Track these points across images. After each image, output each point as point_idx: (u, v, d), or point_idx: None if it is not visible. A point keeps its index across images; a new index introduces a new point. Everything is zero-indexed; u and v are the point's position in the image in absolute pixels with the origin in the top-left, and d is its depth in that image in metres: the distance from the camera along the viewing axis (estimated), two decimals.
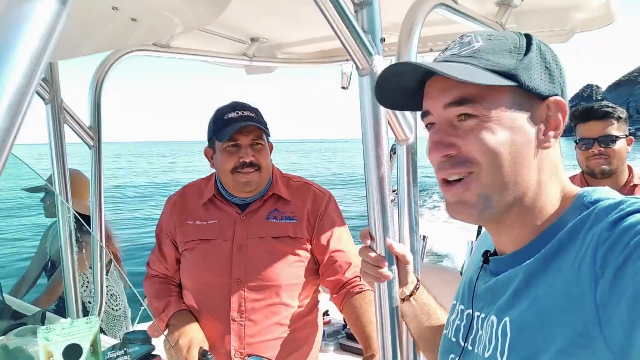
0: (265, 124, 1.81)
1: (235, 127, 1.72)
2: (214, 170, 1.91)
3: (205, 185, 1.93)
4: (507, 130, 0.78)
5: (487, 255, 0.91)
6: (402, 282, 1.16)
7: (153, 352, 1.38)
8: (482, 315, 0.87)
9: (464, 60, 0.80)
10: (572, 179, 2.39)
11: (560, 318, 0.70)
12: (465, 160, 0.80)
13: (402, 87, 0.88)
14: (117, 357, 1.17)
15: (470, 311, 0.91)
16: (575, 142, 2.33)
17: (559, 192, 0.82)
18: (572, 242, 0.73)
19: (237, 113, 1.76)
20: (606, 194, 0.78)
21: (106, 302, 2.51)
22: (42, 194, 2.63)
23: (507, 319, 0.79)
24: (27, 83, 0.48)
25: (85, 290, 2.57)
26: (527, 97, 0.79)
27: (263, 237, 1.79)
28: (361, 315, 1.67)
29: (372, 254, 1.11)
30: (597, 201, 0.76)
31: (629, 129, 2.35)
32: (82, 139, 1.95)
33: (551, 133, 0.80)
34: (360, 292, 1.74)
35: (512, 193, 0.80)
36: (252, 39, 2.29)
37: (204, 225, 1.84)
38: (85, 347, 1.11)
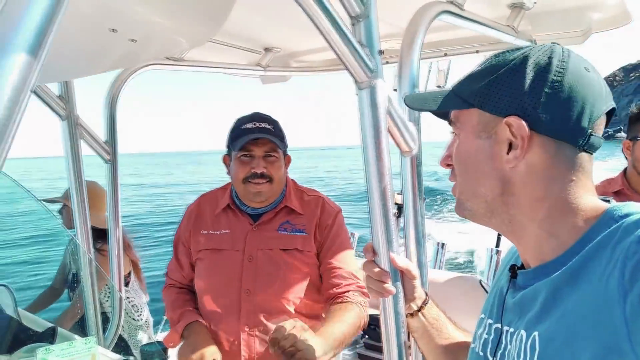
0: (282, 137, 1.81)
1: (249, 137, 1.74)
2: (229, 180, 1.93)
3: (221, 195, 1.95)
4: (472, 145, 0.86)
5: (514, 269, 0.90)
6: (409, 298, 1.13)
7: None
8: (511, 329, 0.86)
9: (453, 87, 0.90)
10: (611, 180, 2.30)
11: (589, 332, 0.69)
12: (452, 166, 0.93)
13: None
14: None
15: (499, 325, 0.90)
16: (636, 139, 2.11)
17: (575, 208, 0.79)
18: (600, 255, 0.72)
19: (254, 124, 1.78)
20: (636, 208, 0.76)
21: (127, 313, 2.55)
22: (59, 206, 2.66)
23: (535, 333, 0.78)
24: (13, 105, 0.47)
25: (107, 301, 2.61)
26: (491, 116, 0.83)
27: (272, 249, 1.80)
28: (330, 316, 1.66)
29: (376, 269, 1.09)
30: (627, 215, 0.74)
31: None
32: (98, 153, 1.99)
33: (511, 154, 0.81)
34: (342, 302, 1.73)
35: (480, 202, 0.87)
36: (266, 49, 2.31)
37: (216, 235, 1.86)
38: None
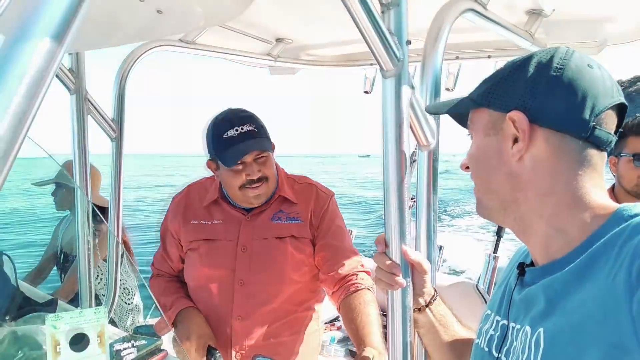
0: (265, 133, 1.75)
1: (240, 151, 1.68)
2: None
3: (210, 184, 1.91)
4: (482, 143, 0.90)
5: (522, 267, 0.91)
6: (418, 292, 1.13)
7: (160, 347, 1.37)
8: (517, 326, 0.87)
9: (470, 92, 0.94)
10: None
11: (594, 330, 0.69)
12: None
13: None
14: (124, 349, 1.17)
15: (505, 322, 0.91)
16: (619, 155, 2.09)
17: (584, 204, 0.80)
18: (607, 253, 0.72)
19: (237, 130, 1.68)
20: None
21: (119, 296, 2.52)
22: (52, 187, 2.64)
23: (541, 329, 0.78)
24: (44, 73, 0.46)
25: (99, 283, 2.59)
26: (498, 114, 0.86)
27: (267, 238, 1.78)
28: (356, 316, 1.63)
29: (387, 261, 1.09)
30: (636, 215, 0.75)
31: None
32: (104, 130, 1.97)
33: (515, 148, 0.83)
34: (355, 290, 1.70)
35: (493, 198, 0.90)
36: (278, 40, 2.29)
37: (208, 225, 1.83)
38: (93, 337, 1.10)
